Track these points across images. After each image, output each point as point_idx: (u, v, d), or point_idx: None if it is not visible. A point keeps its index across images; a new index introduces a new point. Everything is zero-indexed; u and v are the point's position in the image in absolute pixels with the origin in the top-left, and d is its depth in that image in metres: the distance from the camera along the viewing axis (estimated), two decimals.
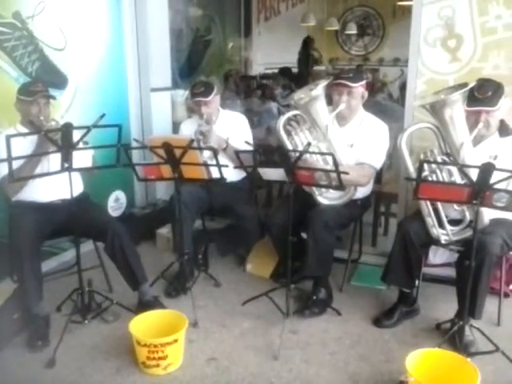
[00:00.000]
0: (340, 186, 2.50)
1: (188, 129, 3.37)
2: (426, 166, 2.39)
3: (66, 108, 3.45)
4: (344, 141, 2.88)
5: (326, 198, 2.89)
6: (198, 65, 6.55)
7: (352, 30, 10.19)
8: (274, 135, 4.19)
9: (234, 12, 7.91)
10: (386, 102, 5.28)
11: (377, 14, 9.92)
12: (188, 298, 2.93)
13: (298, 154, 2.48)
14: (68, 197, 2.58)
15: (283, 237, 2.78)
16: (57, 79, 3.38)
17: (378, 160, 2.91)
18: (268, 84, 6.41)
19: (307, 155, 2.62)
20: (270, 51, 9.08)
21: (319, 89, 2.74)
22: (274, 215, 3.06)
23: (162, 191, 4.28)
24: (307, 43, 8.94)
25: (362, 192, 2.97)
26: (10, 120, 2.88)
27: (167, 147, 2.68)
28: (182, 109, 4.67)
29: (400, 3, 8.08)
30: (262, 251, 3.43)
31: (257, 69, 9.01)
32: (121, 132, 2.59)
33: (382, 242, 3.79)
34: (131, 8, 3.98)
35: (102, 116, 2.50)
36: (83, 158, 2.68)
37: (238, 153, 2.70)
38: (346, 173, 2.46)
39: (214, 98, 3.28)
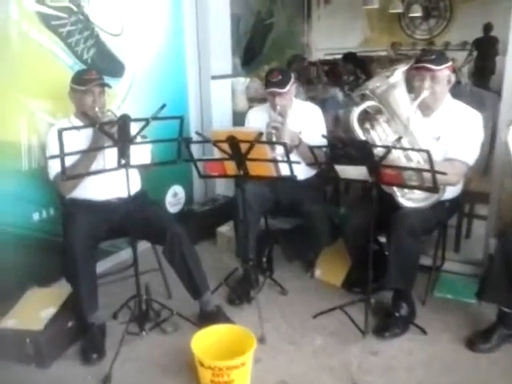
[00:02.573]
0: (433, 188, 2.15)
1: (257, 119, 3.04)
2: None
3: (122, 98, 3.25)
4: (429, 133, 2.53)
5: (410, 199, 2.53)
6: (260, 50, 6.23)
7: (417, 12, 9.69)
8: (342, 126, 3.86)
9: None
10: (468, 88, 4.74)
11: None
12: (252, 307, 2.68)
13: (385, 151, 2.15)
14: (125, 195, 2.38)
15: (360, 241, 2.52)
16: (113, 67, 3.17)
17: (471, 155, 2.51)
18: (336, 69, 5.99)
19: None
20: (329, 36, 8.70)
21: (398, 75, 2.43)
22: (351, 217, 2.73)
23: (222, 187, 4.04)
24: (488, 27, 7.43)
25: (451, 192, 2.58)
26: (65, 112, 2.69)
27: (232, 141, 2.41)
28: (243, 97, 4.40)
29: None
30: (332, 255, 3.10)
31: (316, 54, 8.67)
32: (183, 124, 2.35)
33: (465, 246, 3.38)
34: None
35: (163, 107, 2.26)
36: (141, 153, 2.46)
37: (312, 148, 2.40)
38: (444, 173, 2.10)
39: (291, 89, 2.92)
